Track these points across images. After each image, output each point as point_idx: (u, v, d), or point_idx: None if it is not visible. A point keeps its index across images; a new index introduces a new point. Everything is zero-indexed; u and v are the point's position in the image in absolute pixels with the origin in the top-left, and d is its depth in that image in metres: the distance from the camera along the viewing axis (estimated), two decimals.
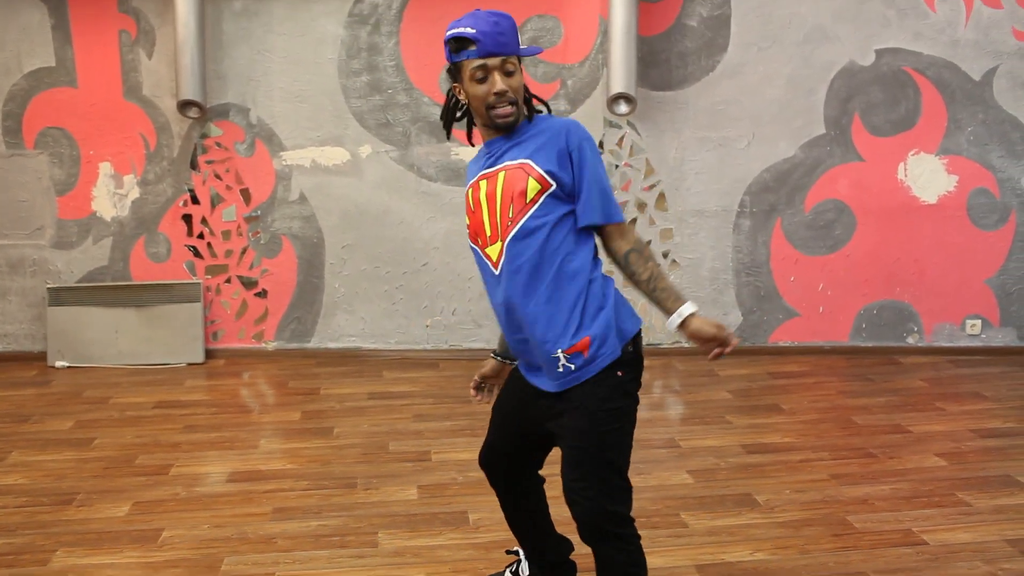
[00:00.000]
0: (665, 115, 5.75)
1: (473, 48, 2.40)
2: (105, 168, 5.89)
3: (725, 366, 5.64)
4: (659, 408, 5.01)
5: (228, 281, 5.97)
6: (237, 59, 5.77)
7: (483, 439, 2.92)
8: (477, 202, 2.52)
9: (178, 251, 5.95)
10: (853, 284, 5.91)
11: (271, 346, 5.98)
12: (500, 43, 2.40)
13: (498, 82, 2.40)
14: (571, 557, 2.97)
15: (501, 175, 2.46)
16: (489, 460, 2.87)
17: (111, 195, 5.92)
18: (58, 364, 5.88)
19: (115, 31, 5.76)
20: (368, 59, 5.73)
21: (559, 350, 2.43)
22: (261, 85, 5.75)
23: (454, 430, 4.61)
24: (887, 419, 4.70)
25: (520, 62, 2.47)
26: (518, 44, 2.46)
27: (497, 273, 2.49)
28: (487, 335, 5.95)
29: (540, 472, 2.88)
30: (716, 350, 2.40)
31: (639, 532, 2.53)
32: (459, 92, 2.52)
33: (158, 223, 5.93)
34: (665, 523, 3.52)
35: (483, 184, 2.50)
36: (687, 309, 2.39)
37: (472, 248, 2.60)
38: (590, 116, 5.73)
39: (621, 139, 5.78)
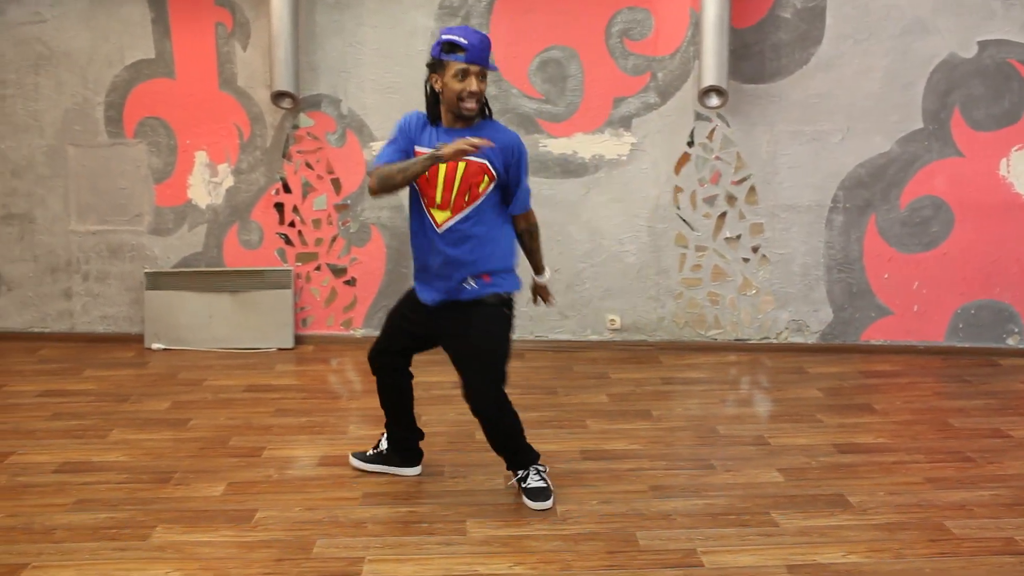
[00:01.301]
0: (757, 108, 5.66)
1: (462, 54, 3.21)
2: (201, 157, 6.04)
3: (815, 364, 5.55)
4: (747, 405, 4.95)
5: (318, 269, 6.08)
6: (329, 51, 5.85)
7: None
8: (434, 174, 3.34)
9: (270, 239, 6.08)
10: (950, 283, 5.75)
11: (359, 333, 6.07)
12: (483, 57, 3.24)
13: (474, 84, 3.23)
14: None
15: (462, 165, 3.32)
16: (381, 356, 3.77)
17: (206, 183, 6.07)
18: (154, 346, 6.06)
19: (212, 23, 5.89)
20: None
21: (468, 276, 3.44)
22: (352, 77, 5.83)
23: (540, 421, 4.61)
24: (986, 422, 4.57)
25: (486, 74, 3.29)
26: (490, 59, 3.28)
27: (439, 231, 3.41)
28: (573, 326, 5.95)
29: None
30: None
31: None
32: (436, 83, 3.32)
33: (251, 211, 6.06)
34: (755, 521, 3.47)
35: (443, 164, 3.29)
36: (548, 274, 3.76)
37: (416, 193, 3.41)
38: (680, 109, 5.68)
39: (712, 132, 5.71)
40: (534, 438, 4.34)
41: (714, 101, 5.44)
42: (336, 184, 5.96)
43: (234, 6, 5.86)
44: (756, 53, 5.61)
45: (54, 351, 6.04)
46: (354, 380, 5.42)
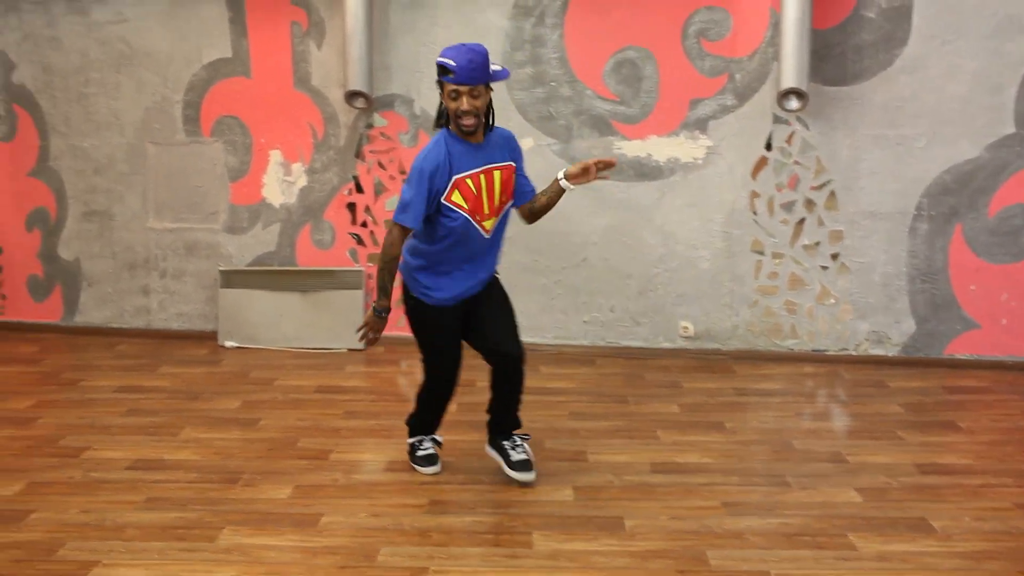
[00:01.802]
0: (838, 111, 5.49)
1: (451, 76, 3.38)
2: (275, 156, 6.09)
3: (895, 377, 5.36)
4: (824, 419, 4.80)
5: None
6: (403, 51, 5.84)
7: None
8: (479, 188, 3.55)
9: (342, 238, 6.10)
10: None
11: None
12: (471, 76, 3.37)
13: (464, 103, 3.41)
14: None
15: (498, 173, 3.59)
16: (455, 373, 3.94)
17: (280, 182, 6.11)
18: (227, 344, 6.13)
19: (287, 23, 5.93)
20: (532, 51, 5.70)
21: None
22: (425, 77, 5.80)
23: (610, 431, 4.54)
24: None
25: (488, 86, 3.46)
26: (487, 74, 3.42)
27: (488, 237, 3.65)
28: (645, 333, 5.85)
29: None
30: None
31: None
32: (443, 99, 3.48)
33: (324, 211, 6.09)
34: (832, 544, 3.35)
35: (483, 177, 3.56)
36: (565, 183, 3.66)
37: (462, 219, 3.54)
38: (758, 111, 5.54)
39: (790, 136, 5.56)
40: (604, 448, 4.31)
41: (793, 104, 5.28)
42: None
43: (309, 5, 5.88)
44: (838, 54, 5.43)
45: (131, 347, 6.15)
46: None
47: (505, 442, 3.95)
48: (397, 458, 4.19)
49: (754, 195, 5.65)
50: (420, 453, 4.06)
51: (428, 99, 5.82)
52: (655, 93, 5.64)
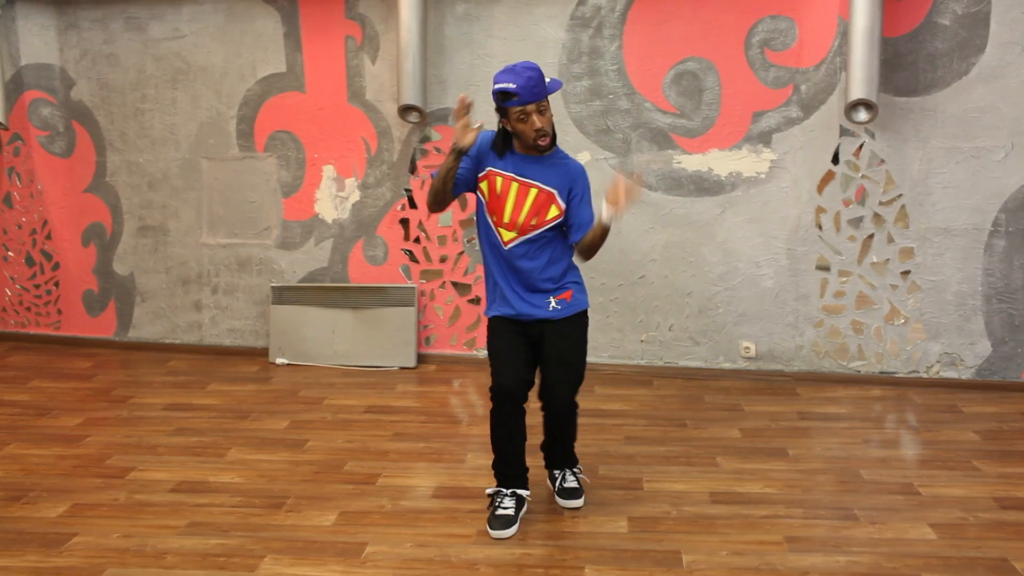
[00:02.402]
0: (909, 123, 5.24)
1: (515, 99, 3.30)
2: (328, 171, 6.02)
3: (970, 402, 5.09)
4: (894, 446, 4.55)
5: (442, 286, 5.96)
6: (458, 64, 5.74)
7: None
8: (505, 192, 3.47)
9: (395, 255, 6.00)
10: None
11: (482, 354, 5.92)
12: (534, 93, 3.30)
13: (536, 122, 3.35)
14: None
15: (533, 191, 3.47)
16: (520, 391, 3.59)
17: (333, 198, 6.03)
18: (278, 361, 6.06)
19: (342, 37, 5.86)
20: (589, 63, 5.55)
21: (552, 298, 3.60)
22: (481, 90, 5.67)
23: (668, 457, 4.36)
24: None
25: (547, 99, 3.38)
26: (545, 87, 3.35)
27: (505, 249, 3.53)
28: (704, 353, 5.64)
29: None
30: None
31: None
32: (507, 125, 3.42)
33: (376, 226, 6.00)
34: None
35: (515, 185, 3.47)
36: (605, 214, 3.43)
37: (483, 207, 3.53)
38: (825, 123, 5.32)
39: (859, 148, 5.32)
40: (660, 475, 4.13)
41: (862, 115, 5.06)
42: (462, 200, 5.83)
43: (364, 19, 5.81)
44: (909, 64, 5.19)
45: (182, 363, 6.13)
46: (475, 404, 5.28)
47: (557, 470, 3.87)
48: (445, 483, 4.05)
49: (820, 210, 5.42)
50: (496, 511, 3.61)
51: (483, 113, 5.66)
52: (716, 105, 5.45)
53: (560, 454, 3.85)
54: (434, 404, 5.29)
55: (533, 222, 3.49)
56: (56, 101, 6.38)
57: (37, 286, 6.64)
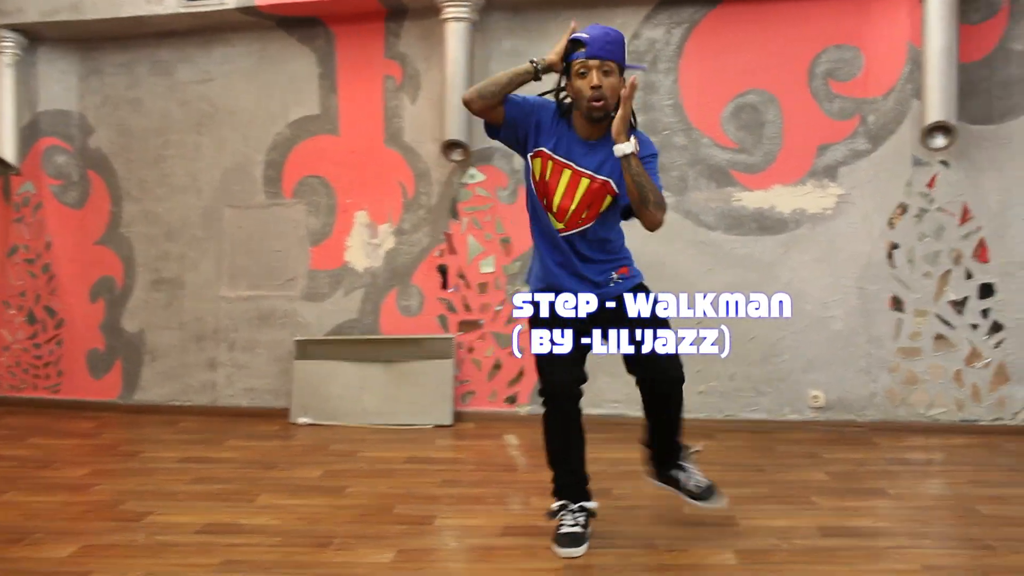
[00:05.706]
0: (984, 152, 4.96)
1: (583, 50, 2.98)
2: (360, 217, 5.67)
3: None
4: (1006, 486, 4.03)
5: (482, 338, 5.53)
6: None
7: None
8: (555, 179, 3.10)
9: (431, 304, 5.59)
10: None
11: (524, 411, 5.45)
12: (606, 49, 2.97)
13: (595, 78, 2.95)
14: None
15: (585, 181, 3.08)
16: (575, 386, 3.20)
17: (365, 245, 5.67)
18: (300, 420, 5.57)
19: (380, 77, 5.61)
20: (644, 98, 5.28)
21: (613, 272, 3.24)
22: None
23: (756, 497, 3.86)
24: None
25: (622, 72, 3.02)
26: (623, 56, 3.03)
27: (559, 235, 3.16)
28: (768, 404, 5.20)
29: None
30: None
31: None
32: (569, 90, 3.07)
33: (412, 274, 5.61)
34: None
35: (567, 172, 3.08)
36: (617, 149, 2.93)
37: (533, 195, 3.17)
38: (896, 153, 5.04)
39: (933, 179, 5.02)
40: (754, 513, 3.63)
41: (940, 141, 4.78)
42: (506, 244, 5.47)
43: (404, 58, 5.56)
44: (983, 91, 4.95)
45: (194, 423, 5.63)
46: (530, 453, 4.78)
47: (673, 471, 3.44)
48: (514, 523, 3.54)
49: (892, 246, 5.08)
50: (562, 528, 3.20)
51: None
52: (779, 139, 5.17)
53: (673, 447, 3.43)
54: (481, 455, 4.80)
55: (584, 215, 3.11)
56: (72, 149, 6.06)
57: (37, 345, 6.15)
